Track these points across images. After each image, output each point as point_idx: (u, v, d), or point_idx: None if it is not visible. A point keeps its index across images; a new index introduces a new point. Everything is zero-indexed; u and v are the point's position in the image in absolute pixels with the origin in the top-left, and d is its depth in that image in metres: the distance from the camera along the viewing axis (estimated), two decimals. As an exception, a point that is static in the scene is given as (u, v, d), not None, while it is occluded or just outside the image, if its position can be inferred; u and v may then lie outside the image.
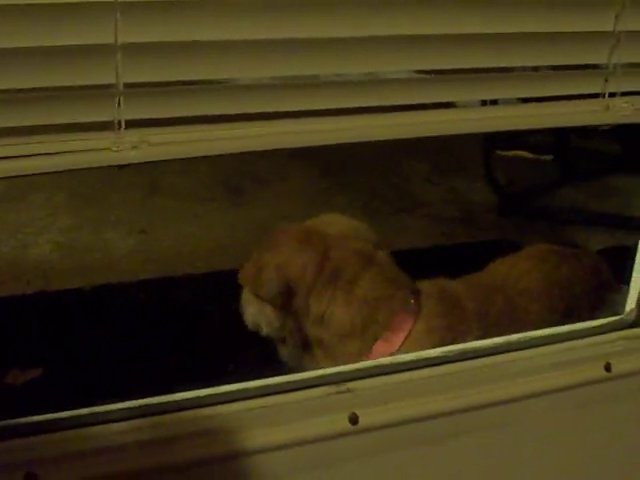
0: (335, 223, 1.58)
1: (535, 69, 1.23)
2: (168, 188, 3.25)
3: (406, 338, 1.47)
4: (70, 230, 2.90)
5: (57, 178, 3.12)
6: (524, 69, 1.16)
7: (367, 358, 1.42)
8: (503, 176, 3.42)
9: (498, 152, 3.64)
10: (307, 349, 1.53)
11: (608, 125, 1.20)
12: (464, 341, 1.39)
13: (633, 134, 3.03)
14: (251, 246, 2.80)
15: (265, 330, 1.57)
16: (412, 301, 1.49)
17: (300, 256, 1.47)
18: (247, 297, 1.58)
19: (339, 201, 3.25)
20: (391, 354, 1.43)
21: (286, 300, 1.47)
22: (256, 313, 1.56)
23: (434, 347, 1.36)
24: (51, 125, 0.90)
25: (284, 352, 1.58)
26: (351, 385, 1.16)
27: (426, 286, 1.54)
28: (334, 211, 3.02)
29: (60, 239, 2.84)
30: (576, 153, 3.69)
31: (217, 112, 0.99)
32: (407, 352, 1.38)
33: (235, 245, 2.86)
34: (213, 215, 3.08)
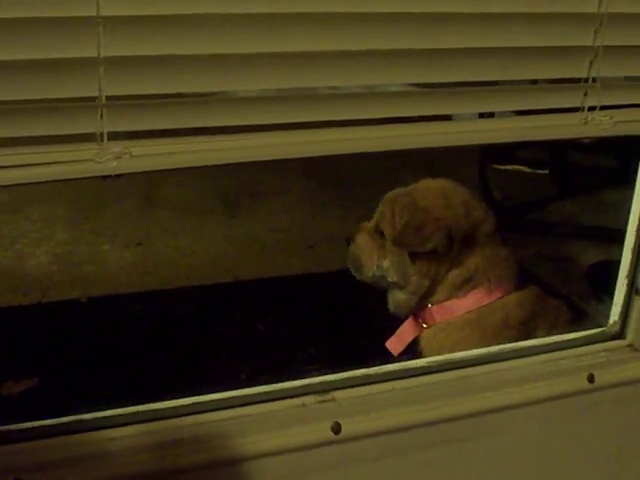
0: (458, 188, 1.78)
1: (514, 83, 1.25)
2: (165, 201, 3.26)
3: (495, 301, 1.65)
4: (67, 242, 2.91)
5: (55, 191, 3.15)
6: (504, 83, 1.18)
7: (460, 301, 1.66)
8: (499, 190, 3.43)
9: (494, 166, 3.65)
10: (418, 291, 1.71)
11: (589, 138, 1.22)
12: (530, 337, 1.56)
13: (629, 148, 3.04)
14: (247, 259, 2.85)
15: (394, 277, 1.74)
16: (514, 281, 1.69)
17: (455, 213, 1.68)
18: (381, 253, 1.76)
19: (336, 214, 3.26)
20: (478, 305, 1.65)
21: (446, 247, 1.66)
22: (392, 264, 1.74)
23: (509, 322, 1.62)
24: (34, 137, 0.92)
25: (398, 297, 1.75)
26: (334, 394, 1.17)
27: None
28: (333, 221, 3.05)
29: (57, 251, 2.85)
30: (572, 167, 3.69)
31: (200, 125, 1.01)
32: (489, 314, 1.63)
33: (231, 258, 2.87)
34: (210, 228, 3.08)
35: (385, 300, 1.78)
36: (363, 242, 1.80)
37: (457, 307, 1.67)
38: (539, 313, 1.66)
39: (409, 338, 1.72)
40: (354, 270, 1.82)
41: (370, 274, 1.78)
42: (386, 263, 1.74)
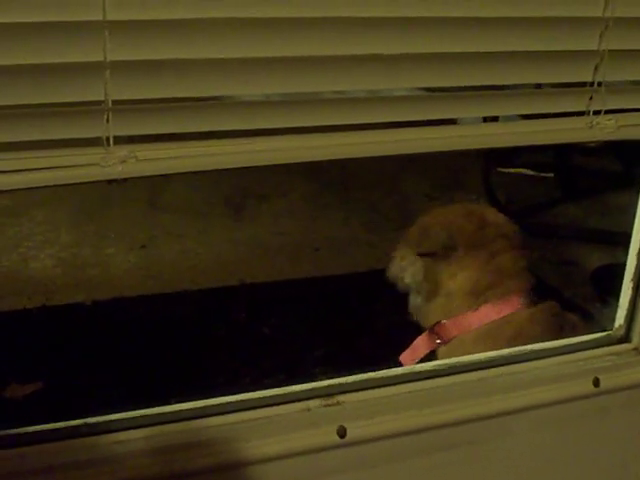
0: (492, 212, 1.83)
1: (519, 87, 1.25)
2: (169, 204, 3.26)
3: (508, 315, 1.65)
4: (71, 245, 2.91)
5: (59, 194, 3.15)
6: (509, 87, 1.18)
7: (472, 315, 1.67)
8: (503, 193, 3.42)
9: (498, 169, 3.64)
10: (430, 299, 1.77)
11: (594, 142, 1.22)
12: None
13: (633, 152, 3.04)
14: (251, 262, 2.85)
15: (408, 280, 1.81)
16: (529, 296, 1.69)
17: (462, 220, 1.74)
18: (401, 254, 1.84)
19: (339, 217, 3.25)
20: (490, 319, 1.65)
21: (444, 252, 1.72)
22: (406, 266, 1.81)
23: (521, 337, 1.58)
24: (40, 141, 0.92)
25: (415, 302, 1.81)
26: (340, 398, 1.17)
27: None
28: (335, 224, 3.05)
29: (61, 254, 2.84)
30: (577, 171, 3.69)
31: (206, 129, 1.01)
32: (501, 328, 1.63)
33: (236, 261, 2.87)
34: (214, 231, 3.08)
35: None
36: (398, 252, 1.86)
37: (469, 322, 1.67)
38: (554, 330, 1.63)
39: (422, 353, 1.73)
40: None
41: (389, 275, 1.84)
42: (403, 265, 1.81)
